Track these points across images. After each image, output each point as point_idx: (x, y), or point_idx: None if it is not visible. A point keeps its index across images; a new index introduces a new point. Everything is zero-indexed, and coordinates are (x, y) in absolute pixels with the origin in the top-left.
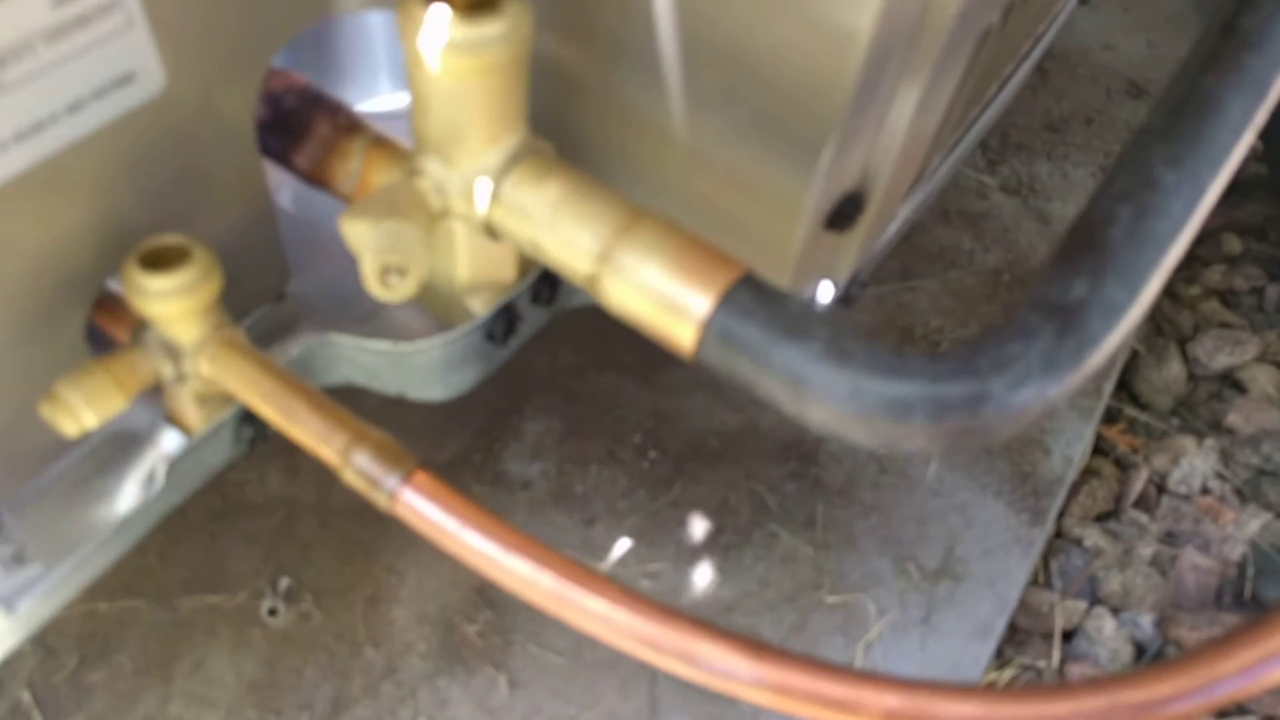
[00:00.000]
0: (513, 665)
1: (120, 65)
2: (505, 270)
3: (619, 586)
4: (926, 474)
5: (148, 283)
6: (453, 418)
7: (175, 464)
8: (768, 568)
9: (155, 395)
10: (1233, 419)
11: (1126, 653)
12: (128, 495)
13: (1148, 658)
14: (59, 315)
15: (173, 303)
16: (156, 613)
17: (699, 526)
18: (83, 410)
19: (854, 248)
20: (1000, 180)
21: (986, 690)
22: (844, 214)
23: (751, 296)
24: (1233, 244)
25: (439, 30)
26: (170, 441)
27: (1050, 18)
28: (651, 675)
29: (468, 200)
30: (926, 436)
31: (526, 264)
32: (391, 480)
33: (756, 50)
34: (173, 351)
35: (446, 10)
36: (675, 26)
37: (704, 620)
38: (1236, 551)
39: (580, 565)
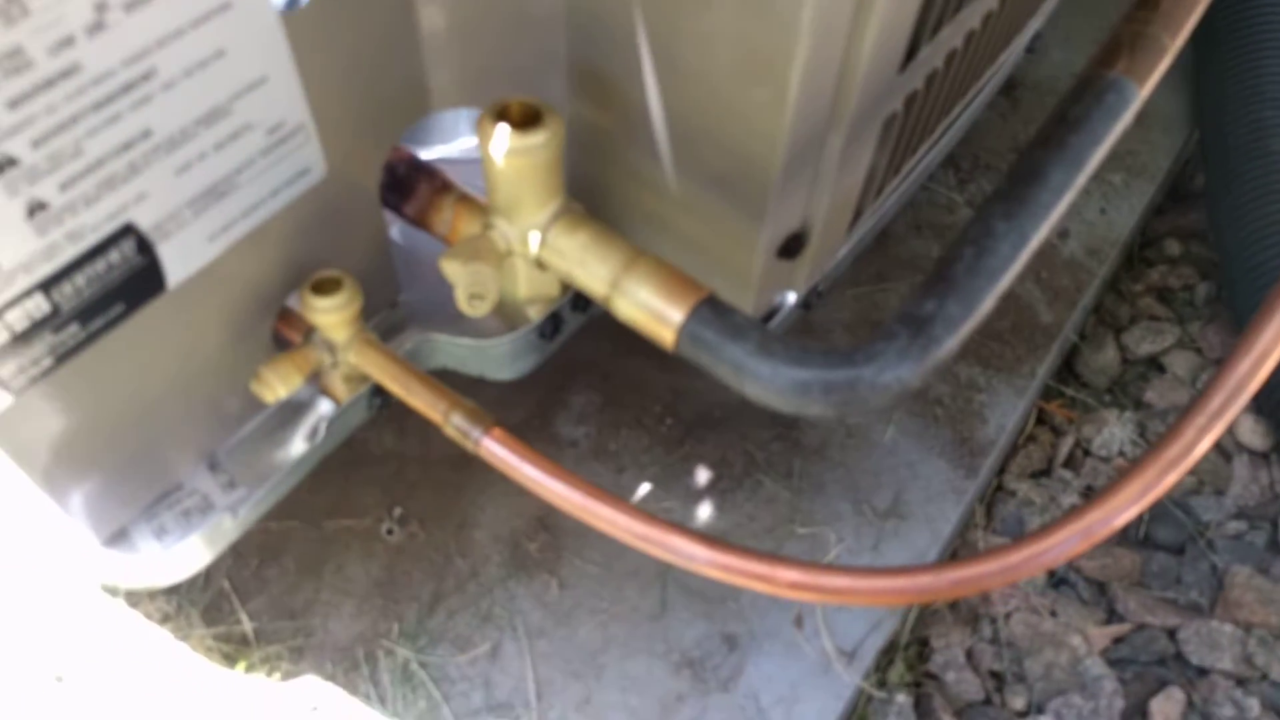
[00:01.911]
0: (562, 572)
1: (301, 164)
2: (552, 289)
3: (626, 503)
4: (884, 438)
5: (316, 302)
6: (518, 392)
7: (330, 423)
8: (754, 507)
9: (315, 378)
10: (1150, 395)
11: (1041, 578)
12: (299, 444)
13: (1053, 581)
14: (258, 323)
15: (332, 315)
16: (309, 531)
17: (702, 475)
18: (278, 386)
19: (805, 270)
20: (967, 197)
21: (857, 568)
22: (791, 248)
23: (711, 311)
24: (1173, 247)
25: (502, 139)
26: (326, 408)
27: (994, 67)
28: (663, 581)
29: (525, 245)
30: (821, 406)
31: (567, 284)
32: (476, 432)
33: (717, 136)
34: (331, 347)
35: (507, 127)
36: (664, 120)
37: (678, 523)
38: None
39: (601, 489)
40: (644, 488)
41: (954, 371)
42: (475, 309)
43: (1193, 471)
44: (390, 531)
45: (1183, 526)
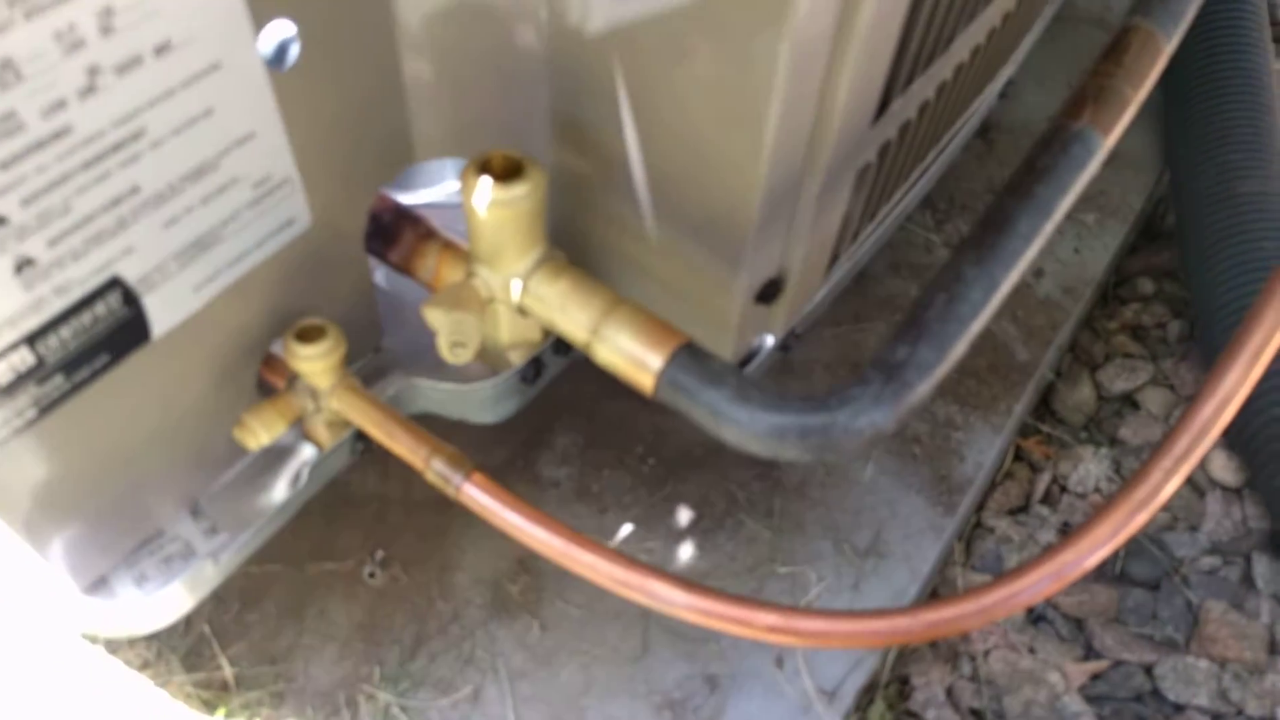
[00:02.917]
0: (544, 614)
1: (287, 215)
2: (534, 334)
3: (606, 548)
4: (864, 476)
5: (300, 350)
6: (501, 433)
7: (313, 468)
8: (735, 546)
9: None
10: (1124, 432)
11: (1019, 615)
12: (281, 489)
13: (1032, 618)
14: (242, 370)
15: (315, 363)
16: (291, 574)
17: (684, 515)
18: (261, 432)
19: (782, 314)
20: (944, 237)
21: (834, 611)
22: (768, 293)
23: (689, 357)
24: (1146, 286)
25: (484, 191)
26: (309, 452)
27: (967, 114)
28: (645, 623)
29: (506, 293)
30: (797, 450)
31: (549, 330)
32: (457, 478)
33: (694, 186)
34: (314, 394)
35: (489, 179)
36: (642, 168)
37: (659, 568)
38: None
39: (580, 534)
40: (626, 528)
41: (932, 410)
42: (457, 357)
43: (1166, 508)
44: (372, 574)
45: (1158, 562)
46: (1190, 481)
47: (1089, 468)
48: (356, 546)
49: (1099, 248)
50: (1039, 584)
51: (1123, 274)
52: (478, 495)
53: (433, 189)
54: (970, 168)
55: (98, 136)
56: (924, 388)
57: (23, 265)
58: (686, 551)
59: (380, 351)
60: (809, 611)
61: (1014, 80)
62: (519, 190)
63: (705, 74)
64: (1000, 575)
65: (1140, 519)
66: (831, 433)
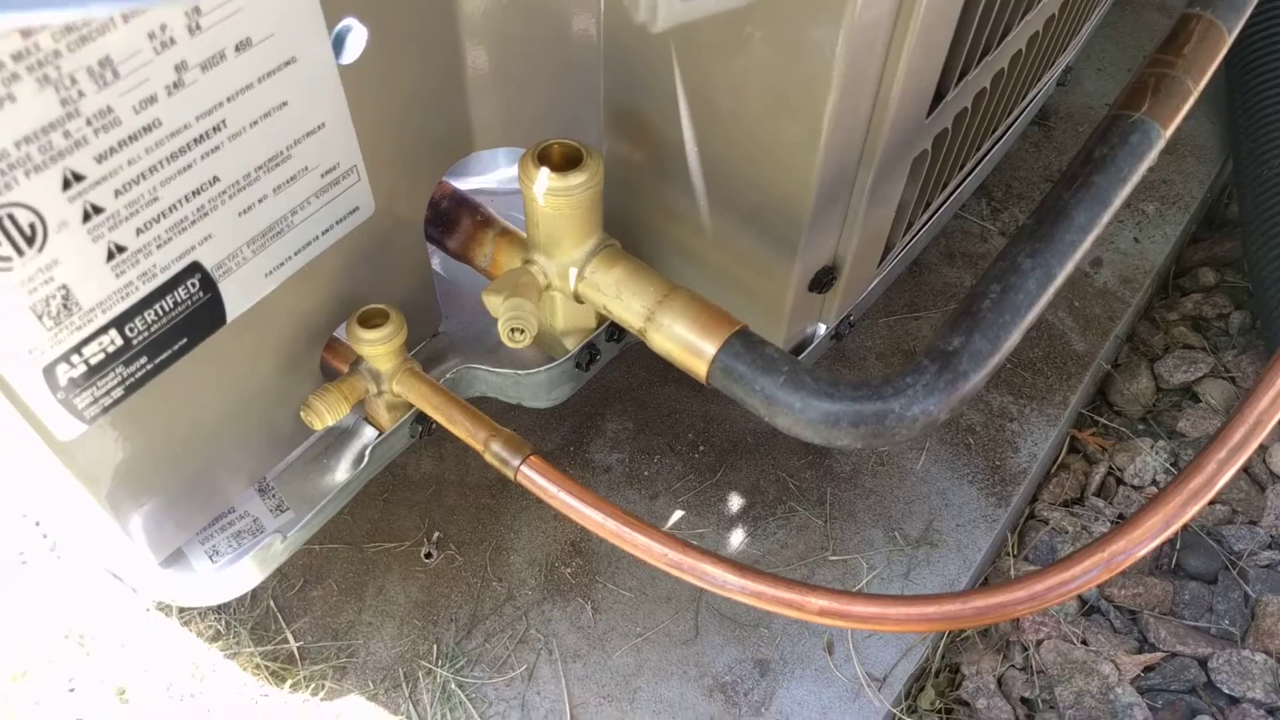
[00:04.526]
0: (596, 596)
1: (352, 203)
2: (589, 321)
3: (660, 530)
4: (917, 465)
5: (363, 334)
6: (553, 419)
7: (374, 449)
8: (786, 534)
9: (360, 406)
10: (1183, 425)
11: (1072, 606)
12: (344, 469)
13: (1085, 609)
14: (308, 353)
15: (378, 347)
16: (351, 553)
17: (735, 502)
18: (325, 414)
19: (836, 303)
20: (1000, 226)
21: (885, 596)
22: (822, 281)
23: (742, 344)
24: (1208, 277)
25: (543, 181)
26: (370, 434)
27: (1025, 103)
28: (696, 606)
29: (563, 280)
30: (850, 438)
31: (603, 316)
32: (515, 460)
33: (750, 175)
34: (376, 377)
35: (547, 170)
36: (698, 158)
37: (709, 550)
38: None
39: (634, 516)
40: (677, 514)
41: (986, 400)
42: (516, 341)
43: (1225, 501)
44: (429, 555)
45: (1215, 556)
46: (1250, 475)
47: (1146, 460)
48: (413, 528)
49: (1159, 237)
50: (1090, 572)
51: (1184, 264)
52: (535, 477)
53: (488, 175)
54: (1027, 156)
55: (183, 129)
56: (978, 377)
57: (114, 252)
58: (737, 538)
59: (438, 335)
60: (860, 596)
61: (1072, 68)
62: (577, 180)
63: (762, 63)
64: (1051, 563)
65: (1193, 510)
66: (885, 421)
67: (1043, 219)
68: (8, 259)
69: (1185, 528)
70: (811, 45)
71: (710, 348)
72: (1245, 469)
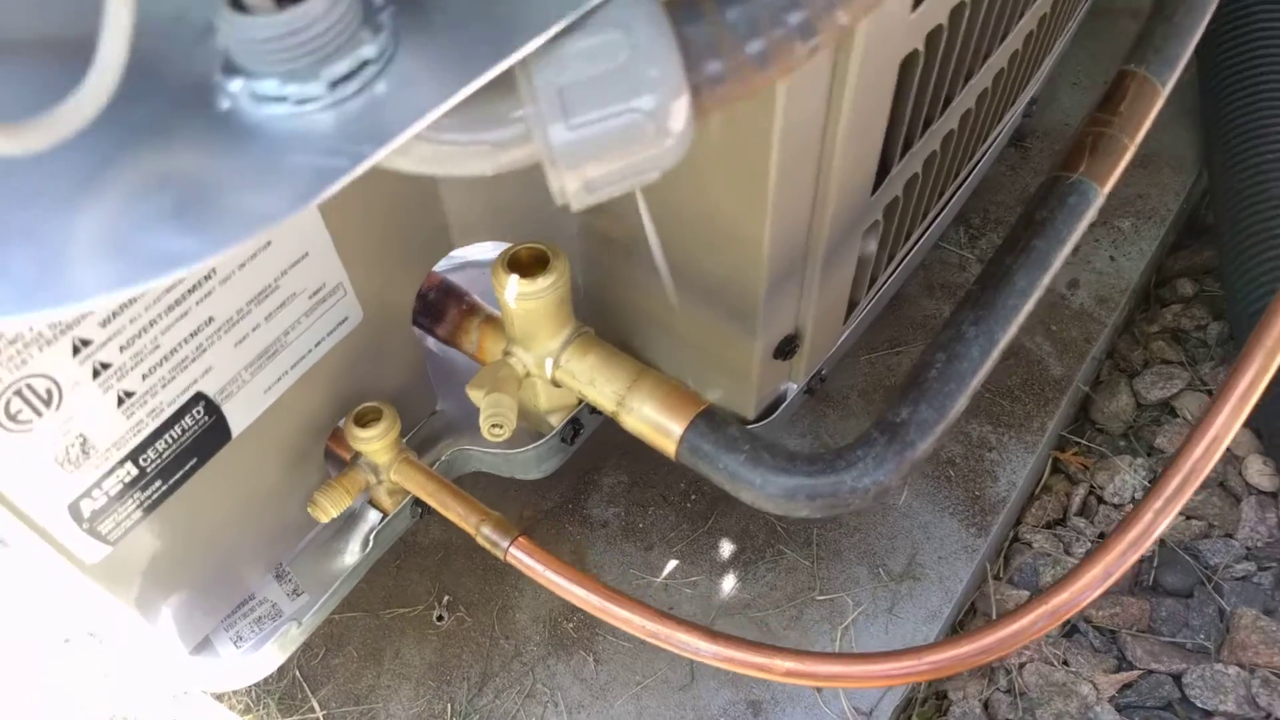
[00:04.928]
0: (597, 648)
1: (340, 315)
2: (570, 399)
3: (639, 603)
4: (899, 500)
5: (359, 433)
6: (553, 476)
7: (378, 534)
8: (775, 576)
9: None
10: (1160, 441)
11: (1054, 629)
12: (354, 551)
13: (1066, 630)
14: (312, 449)
15: (374, 443)
16: (368, 620)
17: (726, 548)
18: (329, 508)
19: (803, 365)
20: (979, 254)
21: (846, 655)
22: (786, 350)
23: (706, 424)
24: (1186, 288)
25: (513, 286)
26: (375, 517)
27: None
28: None
29: (541, 369)
30: (808, 510)
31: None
32: (505, 542)
33: (706, 264)
34: (375, 469)
35: (516, 276)
36: (659, 246)
37: (684, 619)
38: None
39: (614, 590)
40: (671, 564)
41: (966, 431)
42: (495, 436)
43: (1201, 516)
44: (440, 618)
45: (1191, 571)
46: (1225, 488)
47: (1125, 478)
48: (424, 592)
49: (1135, 254)
50: (1036, 624)
51: (1165, 274)
52: (523, 557)
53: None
54: (1004, 179)
55: (177, 284)
56: (926, 445)
57: (124, 398)
58: (729, 583)
59: (436, 414)
60: (823, 656)
61: (1038, 98)
62: (545, 283)
63: (703, 182)
64: (999, 617)
65: (1131, 559)
66: (839, 493)
67: (986, 285)
68: (29, 421)
69: (1162, 543)
70: (745, 167)
71: (677, 428)
72: (1220, 483)
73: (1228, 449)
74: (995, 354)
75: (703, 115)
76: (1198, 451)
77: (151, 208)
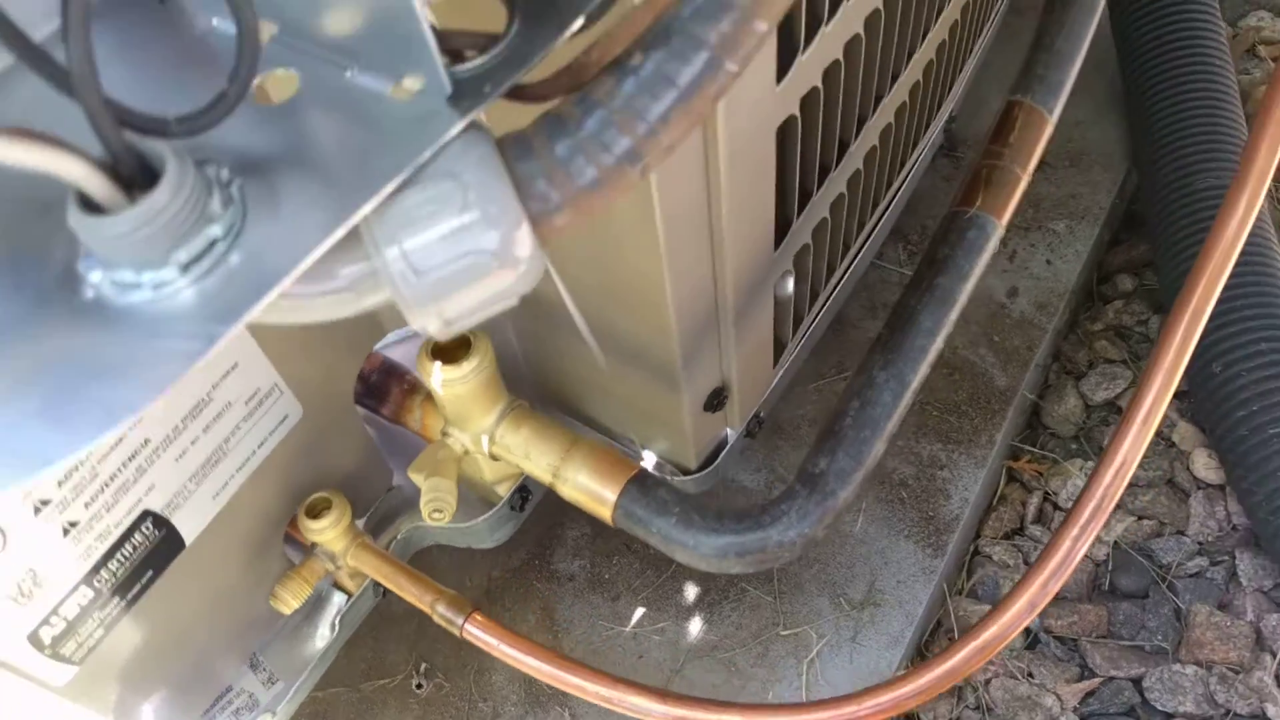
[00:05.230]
0: (572, 704)
1: (280, 415)
2: (513, 468)
3: (591, 670)
4: (855, 528)
5: (312, 525)
6: (520, 533)
7: (343, 617)
8: (740, 615)
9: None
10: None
11: (1017, 641)
12: (323, 634)
13: (1030, 640)
14: (269, 542)
15: (327, 533)
16: (350, 694)
17: (691, 591)
18: (291, 600)
19: (738, 411)
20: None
21: (791, 704)
22: (716, 402)
23: (638, 489)
24: (1126, 283)
25: (438, 373)
26: (340, 599)
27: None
28: None
29: (478, 446)
30: (739, 566)
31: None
32: (459, 619)
33: (624, 329)
34: (331, 556)
35: (439, 364)
36: (580, 314)
37: (635, 681)
38: (1102, 552)
39: (563, 657)
40: (639, 611)
41: (916, 451)
42: (436, 520)
43: (1151, 515)
44: (419, 686)
45: (1145, 572)
46: (1174, 484)
47: (1076, 483)
48: (403, 661)
49: (1071, 255)
50: (969, 660)
51: (1106, 270)
52: (478, 633)
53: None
54: (939, 190)
55: None
56: (846, 493)
57: (68, 529)
58: (696, 626)
59: (393, 490)
60: (770, 707)
61: (955, 115)
62: (468, 367)
63: (607, 243)
64: (932, 657)
65: (1055, 587)
66: (767, 548)
67: (894, 328)
68: None
69: (1115, 546)
70: (638, 246)
71: (610, 495)
72: (1168, 480)
73: (1174, 445)
74: (908, 396)
75: (547, 241)
76: (1107, 478)
77: (20, 408)
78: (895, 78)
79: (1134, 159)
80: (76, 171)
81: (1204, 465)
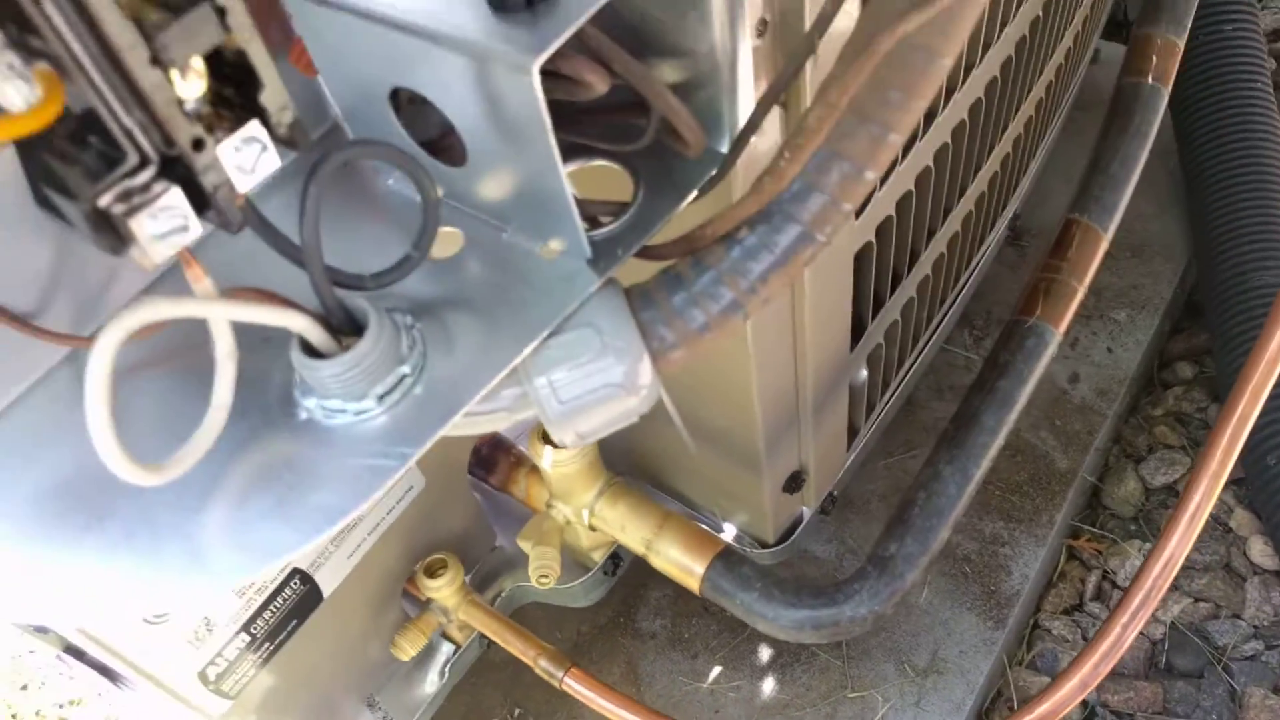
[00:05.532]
0: None
1: (406, 485)
2: (608, 538)
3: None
4: (920, 599)
5: (429, 584)
6: (608, 596)
7: (452, 665)
8: (810, 676)
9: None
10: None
11: (1075, 714)
12: (433, 680)
13: (1087, 713)
14: (391, 595)
15: (442, 590)
16: None
17: (765, 653)
18: (408, 648)
19: (813, 493)
20: (983, 353)
21: None
22: (794, 484)
23: (724, 565)
24: (1186, 370)
25: (548, 456)
26: (449, 649)
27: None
28: None
29: (578, 518)
30: (814, 638)
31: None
32: (559, 673)
33: (716, 423)
34: (444, 611)
35: (549, 447)
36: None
37: None
38: (1159, 631)
39: (650, 710)
40: (715, 670)
41: (979, 529)
42: (543, 584)
43: (1207, 598)
44: None
45: (1200, 652)
46: (1230, 570)
47: (1134, 563)
48: (498, 705)
49: (1131, 344)
50: None
51: (1166, 357)
52: (576, 686)
53: None
54: (1004, 278)
55: None
56: (913, 575)
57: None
58: (769, 686)
59: (496, 550)
60: None
61: (1019, 214)
62: (574, 451)
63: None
64: None
65: (1106, 668)
66: (839, 623)
67: (959, 425)
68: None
69: (1172, 626)
70: (731, 363)
71: (699, 568)
72: (1225, 564)
73: (1231, 530)
74: (971, 488)
75: (664, 372)
76: (1157, 568)
77: (258, 508)
78: (963, 192)
79: (1194, 252)
80: (301, 324)
81: (1260, 551)
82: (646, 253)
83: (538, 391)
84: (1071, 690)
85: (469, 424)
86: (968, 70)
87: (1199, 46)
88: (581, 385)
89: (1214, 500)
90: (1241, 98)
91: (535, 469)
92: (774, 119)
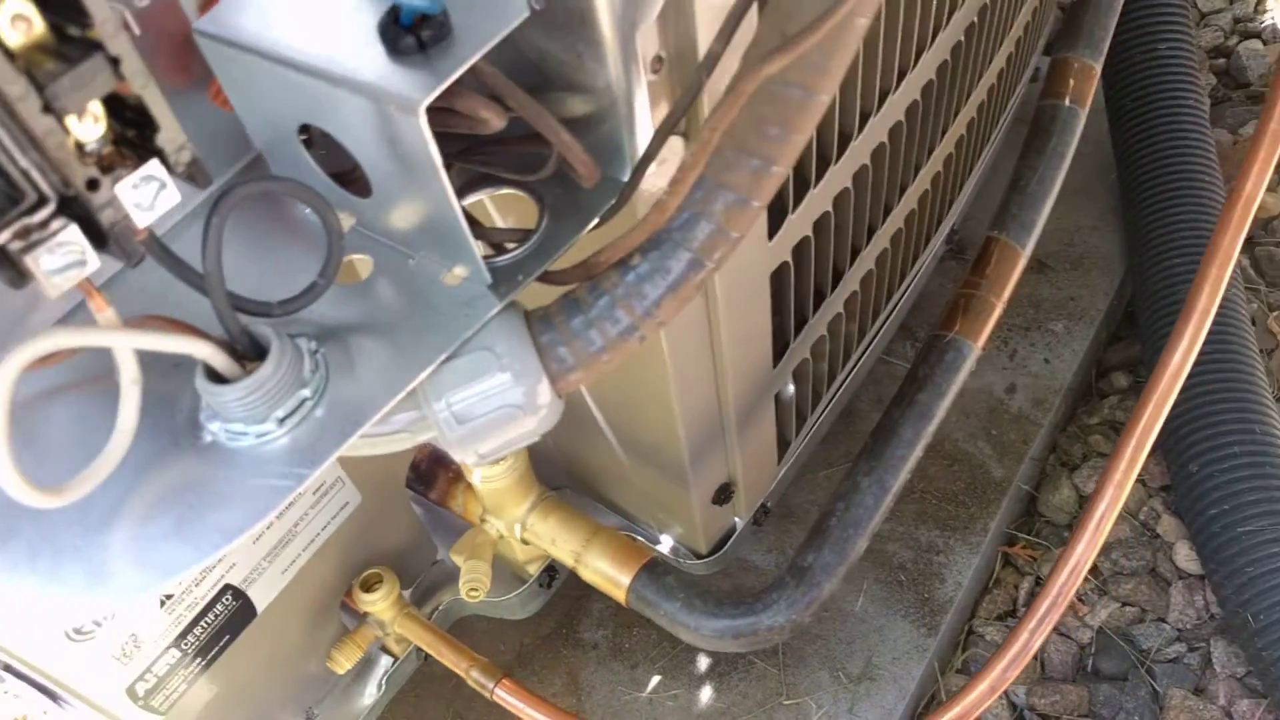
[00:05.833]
0: None
1: (341, 503)
2: (542, 551)
3: None
4: (856, 606)
5: (365, 598)
6: (549, 604)
7: (390, 677)
8: (747, 685)
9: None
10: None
11: (1006, 715)
12: (370, 693)
13: (1016, 717)
14: (328, 610)
15: (378, 605)
16: None
17: (703, 662)
18: (343, 661)
19: (744, 503)
20: None
21: None
22: (723, 496)
23: (650, 575)
24: (1121, 380)
25: (478, 472)
26: (387, 661)
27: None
28: None
29: (511, 532)
30: (735, 646)
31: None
32: (490, 684)
33: (640, 436)
34: (381, 624)
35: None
36: (604, 420)
37: None
38: (1087, 635)
39: (574, 718)
40: (655, 679)
41: (915, 537)
42: (473, 598)
43: (1133, 602)
44: None
45: (1125, 656)
46: (1156, 574)
47: None
48: (441, 716)
49: (1068, 354)
50: None
51: (1104, 366)
52: (507, 697)
53: None
54: (945, 292)
55: None
56: (830, 584)
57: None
58: (706, 694)
59: (437, 564)
60: None
61: (958, 229)
62: (503, 467)
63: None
64: None
65: (1012, 674)
66: (758, 632)
67: (878, 438)
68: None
69: (1100, 630)
70: (651, 378)
71: (625, 579)
72: (1151, 569)
73: (1159, 536)
74: (889, 499)
75: (563, 393)
76: (1062, 578)
77: (159, 527)
78: (889, 211)
79: (1128, 264)
80: (205, 351)
81: (1185, 556)
82: (548, 278)
83: (436, 414)
84: (981, 694)
85: (369, 445)
86: (882, 98)
87: (1135, 65)
88: (480, 407)
89: (1118, 510)
90: (1175, 115)
91: (470, 486)
92: (677, 149)
